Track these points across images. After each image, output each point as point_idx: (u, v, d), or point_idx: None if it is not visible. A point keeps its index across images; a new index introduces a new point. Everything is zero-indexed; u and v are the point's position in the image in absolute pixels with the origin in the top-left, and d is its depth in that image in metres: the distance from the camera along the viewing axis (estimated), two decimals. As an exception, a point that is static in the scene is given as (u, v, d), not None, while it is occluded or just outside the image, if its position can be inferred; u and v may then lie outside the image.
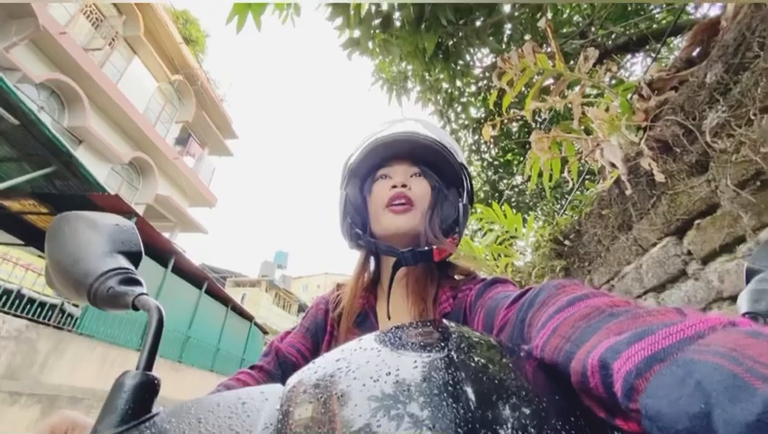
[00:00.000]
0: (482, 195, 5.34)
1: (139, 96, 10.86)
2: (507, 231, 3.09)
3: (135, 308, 0.37)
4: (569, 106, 1.90)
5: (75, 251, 0.40)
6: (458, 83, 4.21)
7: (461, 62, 3.80)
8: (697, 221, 1.24)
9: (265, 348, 0.69)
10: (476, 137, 5.03)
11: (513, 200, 5.12)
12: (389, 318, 0.63)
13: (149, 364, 0.33)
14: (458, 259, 0.70)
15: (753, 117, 1.02)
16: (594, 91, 3.06)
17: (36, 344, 4.52)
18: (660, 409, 0.18)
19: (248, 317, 11.00)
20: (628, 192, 1.48)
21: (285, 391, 0.27)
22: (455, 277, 0.67)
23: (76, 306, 5.63)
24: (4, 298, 4.52)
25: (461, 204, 0.65)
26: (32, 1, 6.88)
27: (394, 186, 0.65)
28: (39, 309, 5.00)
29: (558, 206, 4.67)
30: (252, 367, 0.65)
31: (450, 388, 0.22)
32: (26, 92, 7.55)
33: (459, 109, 4.51)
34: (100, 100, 9.46)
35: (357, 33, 3.09)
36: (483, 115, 4.68)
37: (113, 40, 10.15)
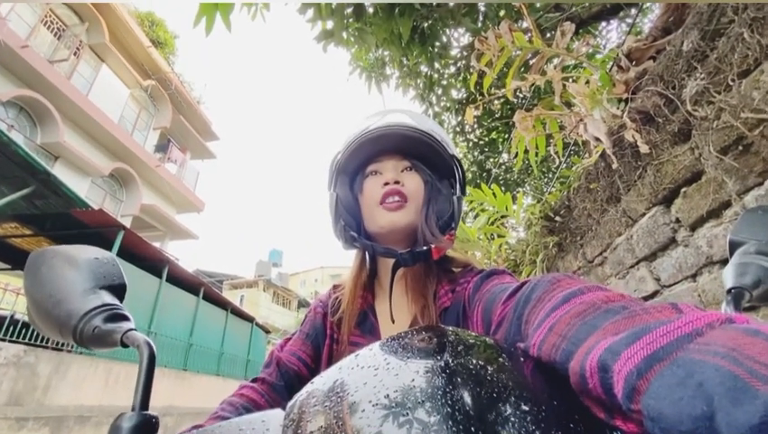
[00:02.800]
0: (470, 176, 5.36)
1: (112, 105, 10.55)
2: (497, 211, 3.12)
3: (125, 345, 0.36)
4: (550, 82, 1.90)
5: (55, 291, 0.39)
6: (437, 65, 4.17)
7: (438, 44, 3.76)
8: (683, 190, 1.26)
9: (266, 358, 0.68)
10: (459, 119, 5.02)
11: (501, 178, 5.14)
12: (393, 320, 0.63)
13: (144, 404, 0.32)
14: (454, 249, 0.70)
15: (731, 83, 1.03)
16: (574, 63, 3.06)
17: (36, 367, 4.47)
18: (663, 410, 0.18)
19: (249, 319, 11.00)
20: (614, 165, 1.49)
21: (285, 417, 0.27)
22: (453, 269, 0.66)
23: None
24: (-2, 325, 4.45)
25: (455, 198, 0.64)
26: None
27: (386, 183, 0.63)
28: (35, 332, 4.94)
29: (546, 180, 4.71)
30: (255, 380, 0.64)
31: (450, 399, 0.22)
32: (-7, 112, 7.28)
33: (440, 92, 4.48)
34: (72, 113, 9.17)
35: (330, 25, 3.02)
36: (465, 96, 4.66)
37: (78, 49, 9.79)
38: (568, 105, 2.08)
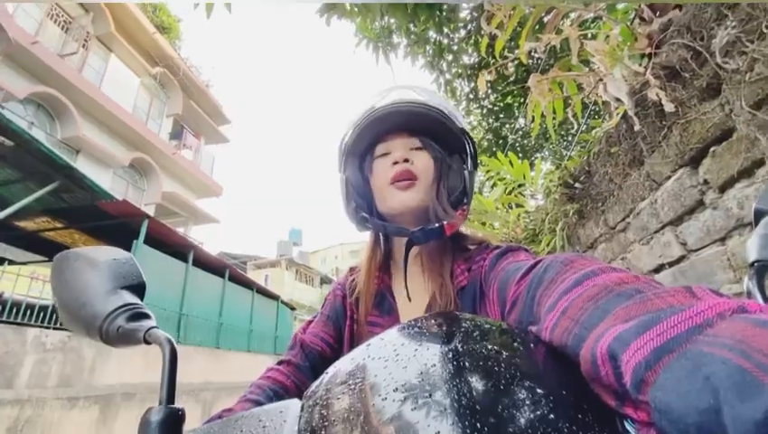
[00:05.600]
0: (485, 144, 5.22)
1: (124, 95, 10.64)
2: (515, 180, 3.05)
3: (147, 343, 0.38)
4: (567, 41, 1.79)
5: (80, 294, 0.40)
6: (445, 30, 3.99)
7: (446, 7, 3.58)
8: (712, 149, 1.19)
9: (290, 341, 0.70)
10: (472, 85, 4.84)
11: (518, 144, 4.99)
12: (409, 299, 0.63)
13: (170, 397, 0.34)
14: (471, 221, 0.69)
15: (765, 31, 0.94)
16: (592, 17, 2.86)
17: (81, 351, 4.77)
18: (670, 402, 0.18)
19: (274, 297, 11.35)
20: (636, 127, 1.42)
21: (301, 408, 0.27)
22: (469, 247, 0.65)
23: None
24: (42, 314, 4.74)
25: (466, 172, 0.63)
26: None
27: (395, 162, 0.62)
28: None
29: (565, 144, 4.54)
30: (280, 362, 0.65)
31: (465, 386, 0.22)
32: (13, 110, 7.47)
33: (450, 59, 4.31)
34: (88, 106, 9.31)
35: (332, -4, 2.91)
36: (477, 60, 4.47)
37: (86, 41, 9.81)
38: (587, 64, 1.97)
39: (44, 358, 4.33)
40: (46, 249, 6.99)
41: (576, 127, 2.63)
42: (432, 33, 4.02)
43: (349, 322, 0.68)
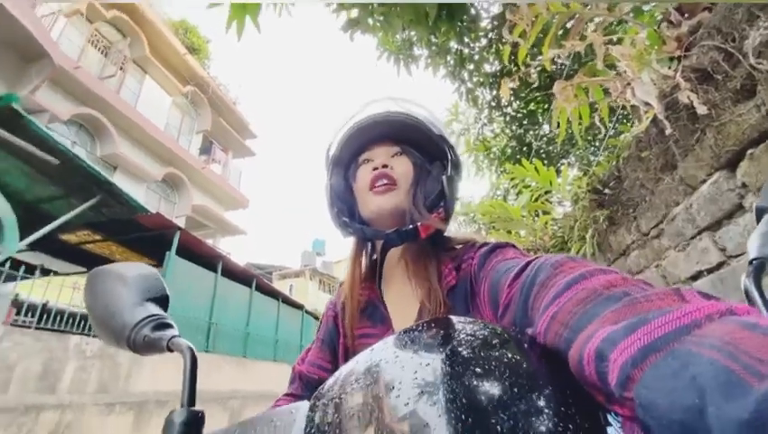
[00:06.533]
0: (509, 152, 5.17)
1: (158, 113, 11.20)
2: (541, 187, 3.01)
3: (171, 351, 0.41)
4: (591, 46, 1.78)
5: (110, 306, 0.44)
6: (466, 40, 4.02)
7: (466, 18, 3.62)
8: (749, 151, 1.15)
9: (290, 375, 0.71)
10: (494, 93, 4.83)
11: (543, 151, 4.92)
12: (396, 311, 0.63)
13: (191, 400, 0.37)
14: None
15: (804, 29, 0.92)
16: (616, 21, 2.82)
17: (117, 358, 4.97)
18: (654, 399, 0.19)
19: (299, 307, 11.46)
20: (668, 130, 1.39)
21: (309, 408, 0.29)
22: (455, 247, 0.66)
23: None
24: (83, 323, 4.98)
25: (444, 177, 0.63)
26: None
27: (375, 168, 0.64)
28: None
29: (593, 149, 4.44)
30: (285, 395, 0.67)
31: (462, 391, 0.23)
32: (58, 130, 7.99)
33: (471, 68, 4.33)
34: (124, 125, 9.85)
35: (355, 13, 3.00)
36: (499, 68, 4.47)
37: (123, 64, 10.43)
38: (612, 68, 1.95)
39: (84, 365, 4.54)
40: (86, 260, 7.36)
41: (603, 132, 2.58)
42: (453, 44, 4.06)
43: (341, 340, 0.68)
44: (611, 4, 1.75)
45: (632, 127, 1.94)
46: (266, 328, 9.12)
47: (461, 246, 0.65)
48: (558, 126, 2.10)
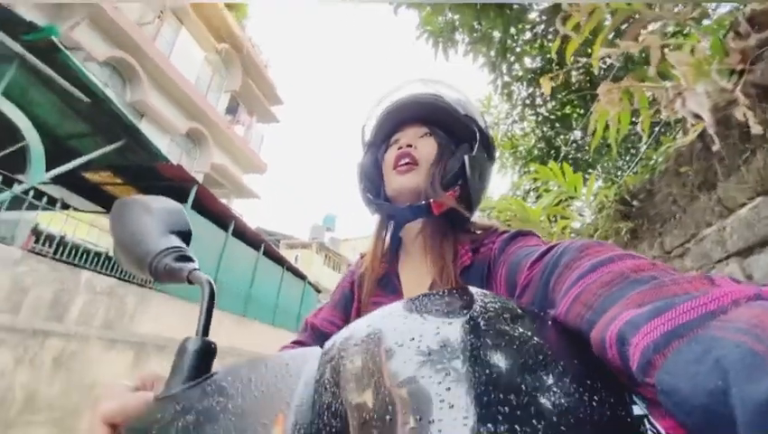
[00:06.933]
0: (536, 153, 5.06)
1: (189, 67, 11.22)
2: (564, 192, 2.94)
3: (190, 282, 0.42)
4: (644, 50, 1.69)
5: (135, 234, 0.45)
6: (512, 30, 3.89)
7: (516, 7, 3.49)
8: (801, 179, 1.09)
9: (301, 325, 0.74)
10: (531, 90, 4.70)
11: (571, 157, 4.80)
12: (411, 282, 0.65)
13: (206, 330, 0.38)
14: (481, 219, 0.70)
15: None
16: (674, 28, 2.69)
17: (125, 298, 5.14)
18: (676, 384, 0.18)
19: (302, 276, 11.64)
20: (715, 147, 1.32)
21: (322, 353, 0.30)
22: (476, 232, 0.67)
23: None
24: (96, 260, 5.15)
25: (467, 157, 0.64)
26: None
27: (399, 147, 0.67)
28: (124, 271, 5.71)
29: (622, 162, 4.31)
30: (293, 342, 0.69)
31: (475, 357, 0.23)
32: (91, 70, 8.09)
33: (512, 60, 4.20)
34: (156, 74, 9.91)
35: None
36: (539, 65, 4.33)
37: (161, 12, 10.42)
38: (663, 77, 1.86)
39: (93, 300, 4.71)
40: (106, 201, 7.56)
41: (636, 144, 2.49)
42: (496, 33, 3.94)
43: (356, 304, 0.71)
44: (676, 11, 1.66)
45: (674, 139, 1.86)
46: (269, 293, 9.31)
47: (482, 231, 0.66)
48: (594, 132, 2.03)
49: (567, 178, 2.58)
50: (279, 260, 10.00)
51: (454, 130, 0.68)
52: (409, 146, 0.66)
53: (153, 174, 6.16)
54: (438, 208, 0.61)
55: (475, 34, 3.94)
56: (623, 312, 0.24)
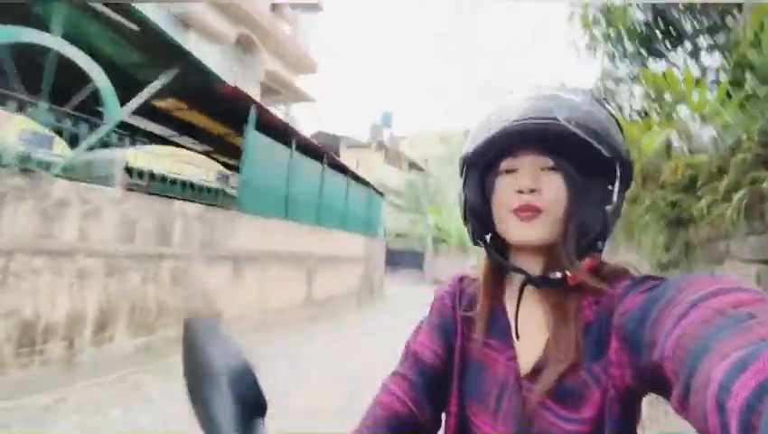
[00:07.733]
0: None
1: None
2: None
3: None
4: None
5: (202, 410, 0.39)
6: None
7: None
8: None
9: (402, 351, 0.68)
10: None
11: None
12: (519, 329, 0.58)
13: None
14: (610, 260, 0.57)
15: None
16: None
17: (215, 222, 5.72)
18: None
19: (365, 183, 11.97)
20: None
21: None
22: (603, 277, 0.55)
23: (233, 187, 6.75)
24: (182, 189, 5.64)
25: (608, 208, 0.52)
26: None
27: (520, 191, 0.54)
28: (207, 193, 6.27)
29: None
30: (394, 374, 0.64)
31: None
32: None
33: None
34: (193, -24, 9.24)
35: None
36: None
37: None
38: None
39: (188, 225, 5.29)
40: (176, 125, 7.95)
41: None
42: None
43: (460, 340, 0.64)
44: None
45: None
46: (336, 201, 9.79)
47: (611, 275, 0.54)
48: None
49: (698, 97, 2.05)
50: (343, 169, 10.21)
51: (587, 163, 0.53)
52: (532, 191, 0.53)
53: (212, 96, 6.20)
54: (574, 281, 0.52)
55: None
56: (714, 367, 0.24)
